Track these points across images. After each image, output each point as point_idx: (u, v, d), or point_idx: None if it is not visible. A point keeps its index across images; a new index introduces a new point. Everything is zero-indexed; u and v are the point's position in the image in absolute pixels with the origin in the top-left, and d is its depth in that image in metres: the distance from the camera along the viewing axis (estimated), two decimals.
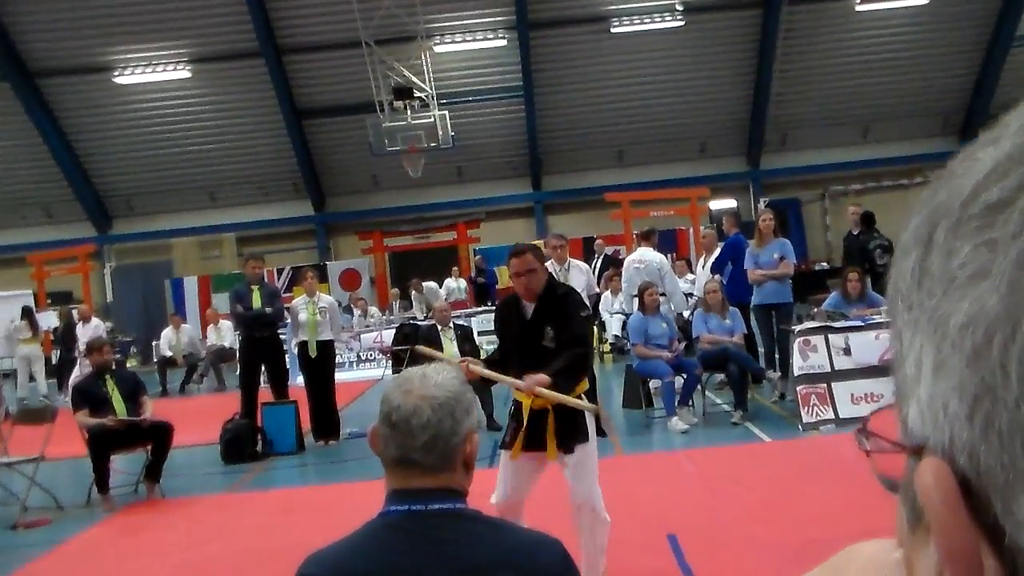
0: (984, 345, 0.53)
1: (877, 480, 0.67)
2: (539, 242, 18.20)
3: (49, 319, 24.43)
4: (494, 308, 6.77)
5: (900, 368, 0.63)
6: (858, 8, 27.96)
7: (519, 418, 6.32)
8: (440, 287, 24.82)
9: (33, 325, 22.37)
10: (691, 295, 16.45)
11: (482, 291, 25.77)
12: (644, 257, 14.63)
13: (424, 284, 24.62)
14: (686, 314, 15.51)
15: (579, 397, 6.41)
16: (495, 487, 6.26)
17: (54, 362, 23.72)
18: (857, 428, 0.70)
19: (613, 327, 19.00)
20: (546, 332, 6.36)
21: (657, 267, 14.55)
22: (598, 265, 20.46)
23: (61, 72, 28.03)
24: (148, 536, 9.93)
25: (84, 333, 20.48)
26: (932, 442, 0.58)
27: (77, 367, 20.28)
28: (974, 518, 0.54)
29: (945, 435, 0.56)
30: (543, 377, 6.09)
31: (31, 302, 25.46)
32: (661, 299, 14.00)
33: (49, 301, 26.92)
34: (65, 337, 23.00)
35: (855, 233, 16.30)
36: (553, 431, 6.30)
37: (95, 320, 21.65)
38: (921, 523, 0.60)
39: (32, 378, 22.12)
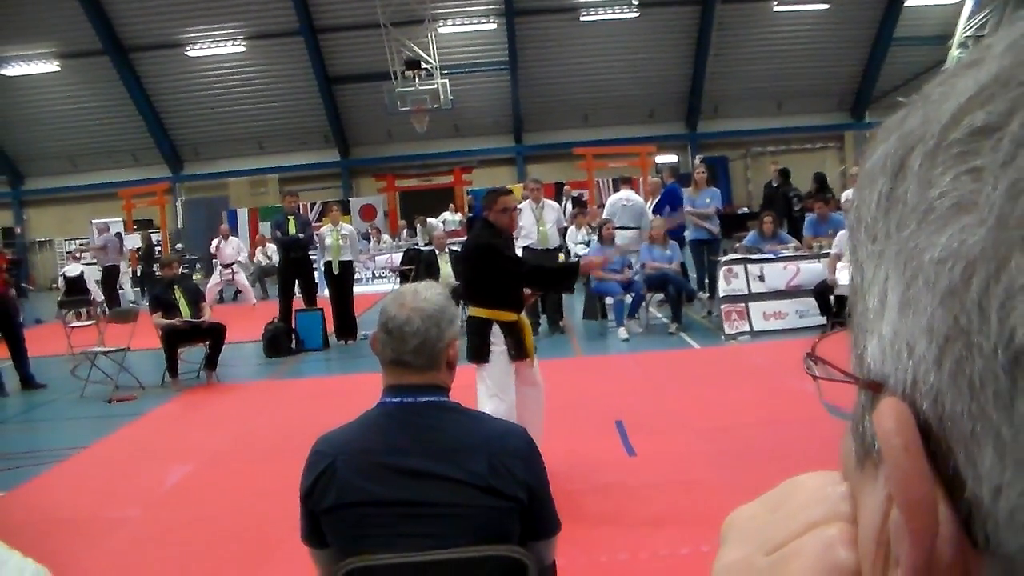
0: (962, 284, 0.39)
1: (823, 405, 0.52)
2: (519, 186, 18.02)
3: (134, 241, 24.41)
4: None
5: (860, 300, 0.47)
6: (775, 9, 27.95)
7: (513, 333, 6.17)
8: (440, 221, 24.63)
9: (121, 248, 22.44)
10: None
11: (473, 224, 25.65)
12: (630, 197, 14.48)
13: (427, 220, 24.47)
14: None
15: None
16: (495, 396, 6.04)
17: (137, 275, 23.80)
18: (806, 353, 0.54)
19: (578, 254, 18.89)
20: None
21: (640, 207, 14.43)
22: (569, 205, 20.40)
23: (147, 48, 28.00)
24: (207, 411, 10.04)
25: (225, 248, 20.44)
26: (893, 382, 0.43)
27: (217, 275, 20.62)
28: (932, 465, 0.41)
29: (908, 376, 0.42)
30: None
31: (121, 228, 25.63)
32: (635, 232, 13.92)
33: (135, 227, 26.97)
34: (146, 255, 22.96)
35: (774, 185, 16.29)
36: (531, 340, 6.35)
37: (232, 239, 21.40)
38: (869, 458, 0.46)
39: (121, 285, 22.07)
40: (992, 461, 0.38)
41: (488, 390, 6.09)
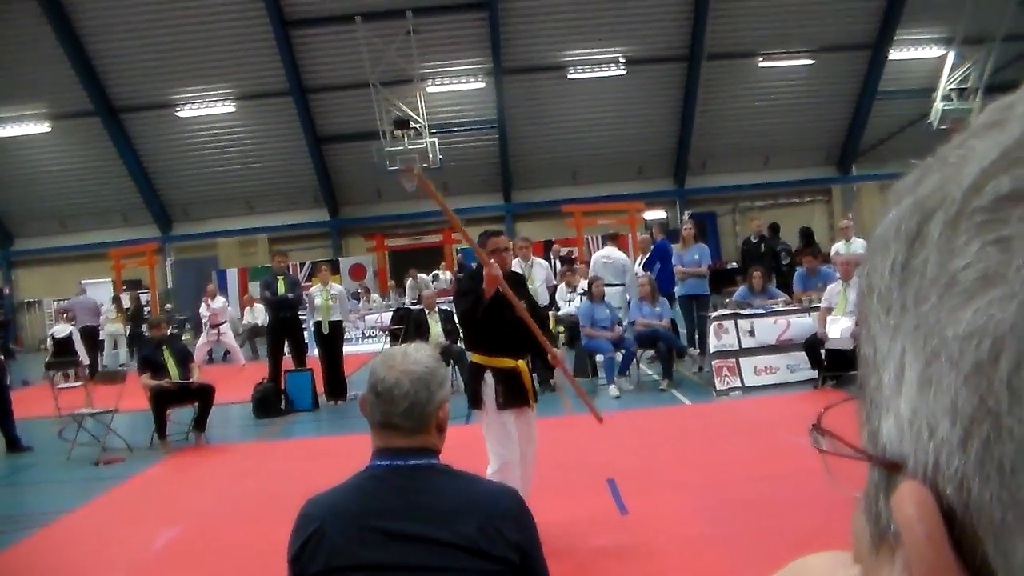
0: (989, 362, 0.36)
1: (829, 480, 0.49)
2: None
3: (123, 301, 24.35)
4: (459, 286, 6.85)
5: (873, 374, 0.44)
6: (760, 65, 28.28)
7: (505, 380, 6.08)
8: (430, 278, 24.61)
9: (120, 308, 22.37)
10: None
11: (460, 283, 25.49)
12: (611, 255, 14.55)
13: (418, 275, 24.47)
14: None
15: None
16: (492, 452, 6.01)
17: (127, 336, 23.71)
18: (811, 425, 0.50)
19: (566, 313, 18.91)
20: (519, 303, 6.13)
21: (622, 263, 14.48)
22: (557, 263, 20.47)
23: (137, 108, 28.15)
24: (197, 473, 9.96)
25: (213, 307, 20.44)
26: (912, 463, 0.40)
27: (204, 335, 20.61)
28: (957, 555, 0.38)
29: (929, 458, 0.39)
30: (561, 354, 6.35)
31: (111, 289, 25.60)
32: (619, 289, 13.97)
33: (124, 287, 26.89)
34: (135, 316, 22.89)
35: (753, 240, 16.37)
36: (531, 386, 6.29)
37: (219, 298, 21.42)
38: (885, 542, 0.43)
39: (116, 346, 22.17)
40: None
41: (488, 445, 6.08)
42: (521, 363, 6.21)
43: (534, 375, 12.97)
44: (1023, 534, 0.36)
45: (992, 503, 0.37)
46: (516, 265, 12.86)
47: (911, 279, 0.41)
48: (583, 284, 16.68)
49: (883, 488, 0.43)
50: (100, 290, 25.69)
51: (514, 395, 6.10)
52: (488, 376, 6.09)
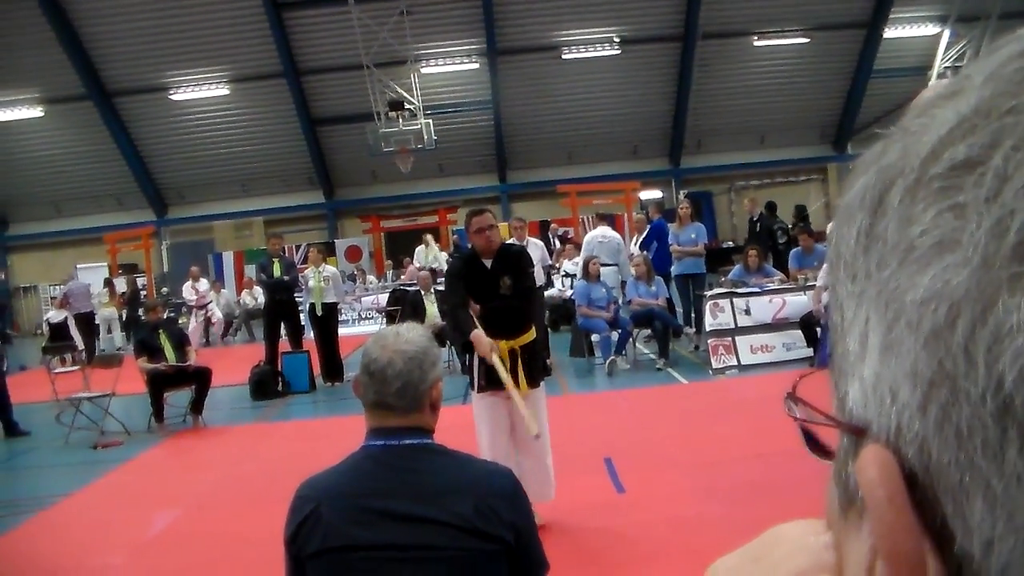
0: (946, 326, 0.37)
1: (805, 448, 0.50)
2: (503, 224, 18.06)
3: (119, 285, 24.28)
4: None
5: (840, 341, 0.45)
6: (755, 43, 28.18)
7: (486, 362, 5.90)
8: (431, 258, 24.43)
9: (113, 292, 22.30)
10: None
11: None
12: (606, 234, 14.58)
13: (433, 242, 24.21)
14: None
15: (534, 342, 6.26)
16: (480, 441, 5.94)
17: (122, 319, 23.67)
18: (786, 393, 0.52)
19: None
20: (503, 281, 6.05)
21: (617, 243, 14.52)
22: (556, 243, 20.46)
23: (130, 92, 27.98)
24: (194, 456, 9.99)
25: (198, 288, 20.51)
26: (876, 428, 0.41)
27: (193, 318, 20.69)
28: (918, 516, 0.39)
29: (892, 423, 0.40)
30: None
31: (106, 273, 25.54)
32: (614, 268, 13.98)
33: (120, 271, 26.90)
34: (131, 300, 22.86)
35: (755, 219, 16.36)
36: (523, 368, 6.05)
37: (203, 280, 21.58)
38: (853, 506, 0.43)
39: (110, 330, 22.02)
40: (982, 514, 0.36)
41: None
42: (504, 344, 5.99)
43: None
44: (979, 496, 0.36)
45: (950, 466, 0.37)
46: None
47: (874, 246, 0.42)
48: (567, 265, 16.70)
49: (851, 454, 0.44)
50: (96, 275, 25.60)
51: (493, 378, 5.94)
52: (476, 358, 6.02)
